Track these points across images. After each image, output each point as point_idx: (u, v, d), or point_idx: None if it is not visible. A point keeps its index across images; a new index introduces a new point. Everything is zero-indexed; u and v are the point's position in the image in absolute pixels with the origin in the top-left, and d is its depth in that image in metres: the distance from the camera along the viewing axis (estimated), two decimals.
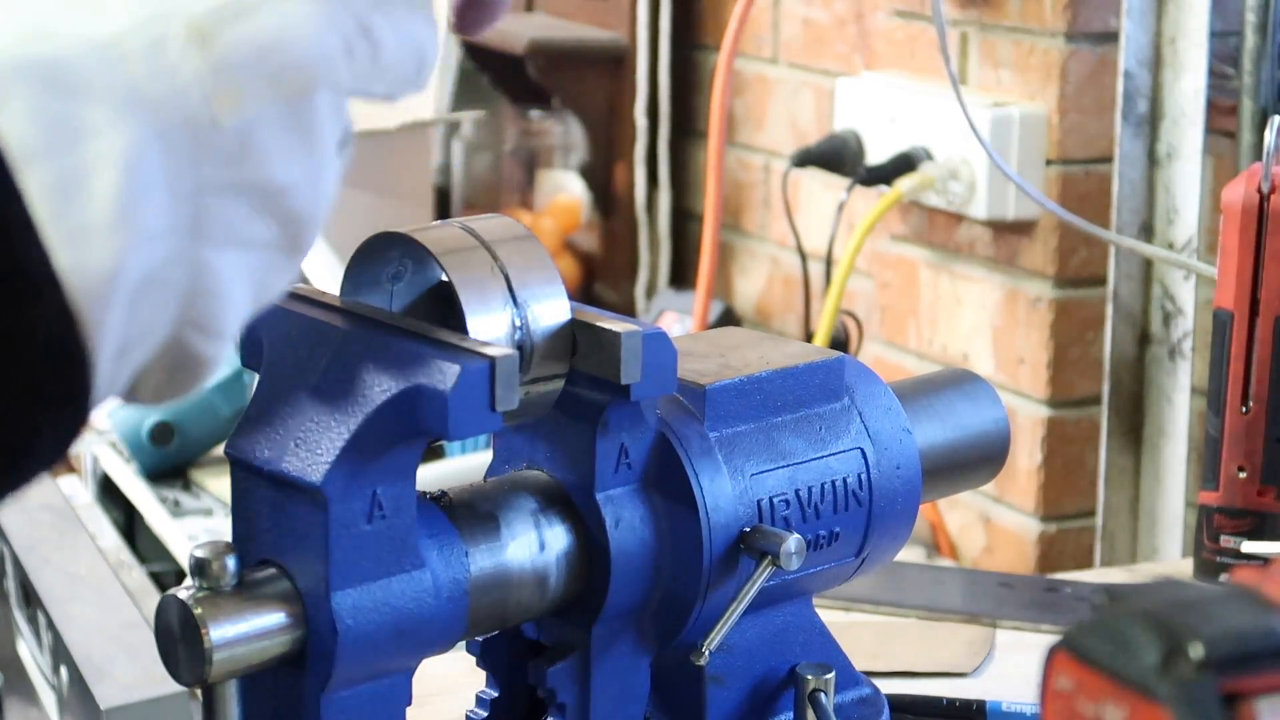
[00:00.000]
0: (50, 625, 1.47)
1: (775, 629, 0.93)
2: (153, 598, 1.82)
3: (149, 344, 0.56)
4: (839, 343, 2.03)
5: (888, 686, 1.02)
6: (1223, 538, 1.23)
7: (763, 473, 0.90)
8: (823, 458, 0.92)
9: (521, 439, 0.88)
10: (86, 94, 0.52)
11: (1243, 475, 1.22)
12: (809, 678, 0.91)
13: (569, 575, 0.86)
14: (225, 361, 0.60)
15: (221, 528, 2.04)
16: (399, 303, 0.84)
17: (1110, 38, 1.78)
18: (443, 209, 2.88)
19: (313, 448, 0.77)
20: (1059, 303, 1.83)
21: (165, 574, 2.13)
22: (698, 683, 0.91)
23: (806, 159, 2.02)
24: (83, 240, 0.51)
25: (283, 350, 0.81)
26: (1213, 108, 1.70)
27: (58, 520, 1.69)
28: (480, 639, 0.90)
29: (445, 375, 0.74)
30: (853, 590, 1.21)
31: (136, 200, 0.53)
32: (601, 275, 2.68)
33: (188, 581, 0.77)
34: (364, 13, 0.59)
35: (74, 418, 0.54)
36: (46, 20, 0.53)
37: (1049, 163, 1.82)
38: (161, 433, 2.18)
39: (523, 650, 0.90)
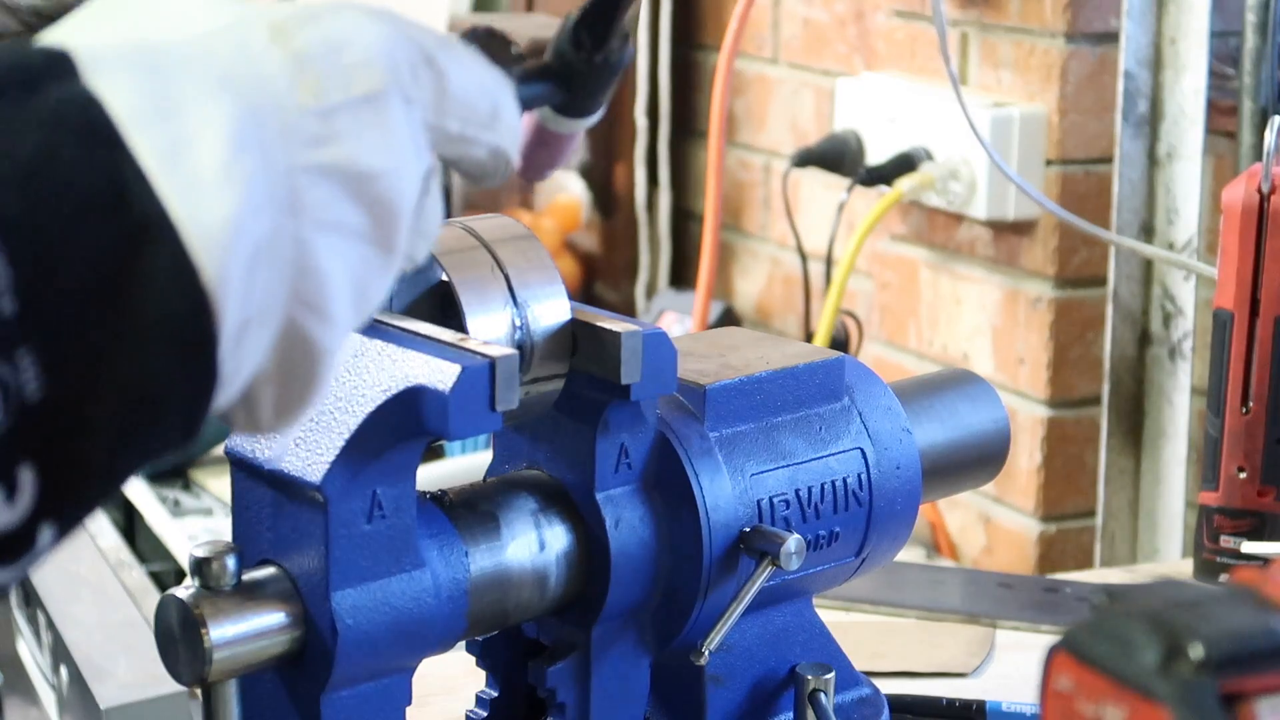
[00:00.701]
0: (50, 625, 1.47)
1: (775, 629, 0.93)
2: (153, 598, 1.82)
3: (267, 324, 0.58)
4: (839, 343, 2.03)
5: (888, 686, 1.02)
6: (1223, 538, 1.23)
7: (763, 473, 0.90)
8: (823, 458, 0.92)
9: (521, 439, 0.88)
10: (184, 74, 0.56)
11: (1243, 475, 1.22)
12: (809, 678, 0.91)
13: (569, 575, 0.86)
14: (339, 351, 0.61)
15: (221, 528, 2.04)
16: (399, 303, 0.84)
17: (1110, 38, 1.78)
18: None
19: (313, 447, 0.77)
20: (1059, 303, 1.83)
21: (165, 574, 2.12)
22: (698, 683, 0.91)
23: (806, 159, 2.02)
24: (195, 193, 0.54)
25: None
26: (1213, 108, 1.70)
27: None
28: (480, 639, 0.90)
29: (445, 375, 0.74)
30: (853, 590, 1.21)
31: (240, 163, 0.55)
32: (601, 275, 2.68)
33: (188, 581, 0.77)
34: (427, 44, 0.62)
35: (202, 376, 0.55)
36: (140, 28, 0.57)
37: (1049, 163, 1.82)
38: None
39: (523, 650, 0.90)
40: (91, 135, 0.53)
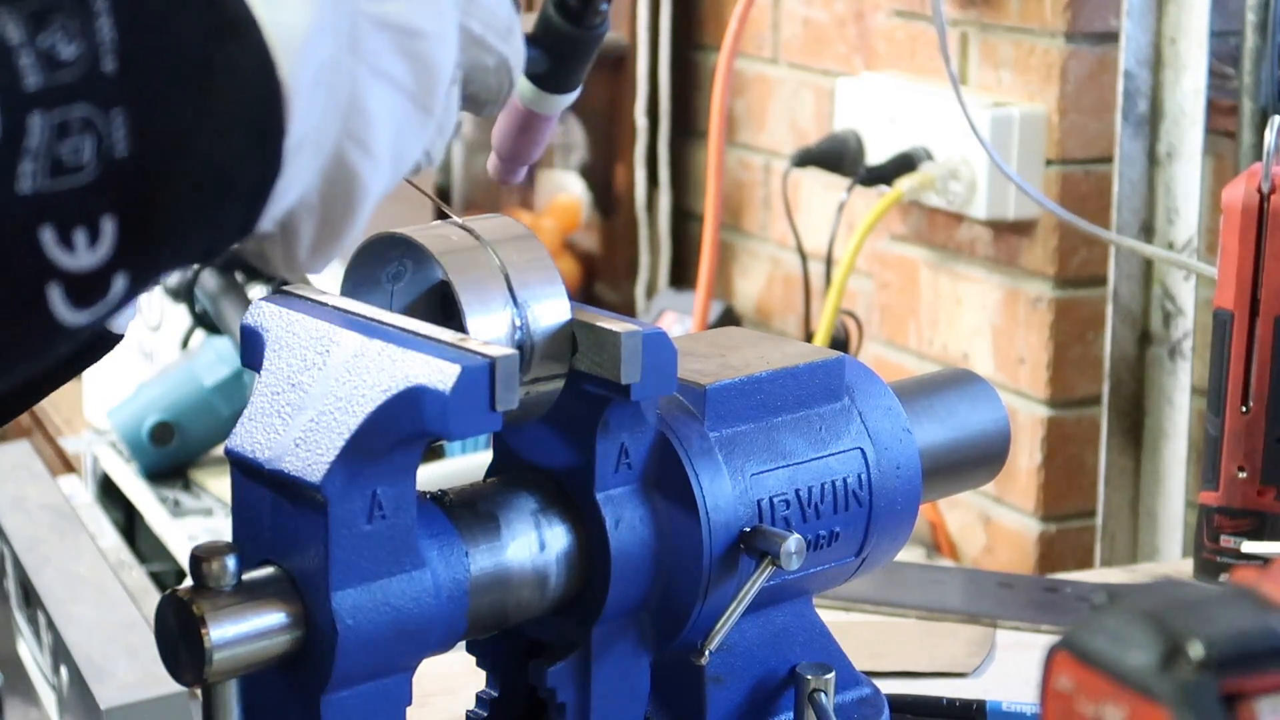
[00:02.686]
0: (50, 625, 1.47)
1: (775, 629, 0.93)
2: (153, 598, 1.82)
3: (320, 147, 0.62)
4: (839, 343, 2.03)
5: (888, 686, 1.02)
6: (1223, 538, 1.23)
7: (763, 473, 0.90)
8: (823, 458, 0.92)
9: (522, 439, 0.88)
10: None
11: (1243, 475, 1.22)
12: (809, 678, 0.91)
13: (569, 575, 0.86)
14: (376, 194, 0.65)
15: (221, 528, 2.04)
16: (399, 303, 0.84)
17: (1110, 38, 1.78)
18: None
19: (313, 448, 0.77)
20: (1059, 303, 1.83)
21: (165, 574, 2.13)
22: (698, 683, 0.91)
23: (806, 159, 2.02)
24: (277, 2, 0.59)
25: (283, 350, 0.81)
26: (1213, 108, 1.70)
27: (58, 520, 1.69)
28: (480, 639, 0.90)
29: (445, 375, 0.74)
30: (853, 590, 1.21)
31: None
32: (601, 275, 2.68)
33: (188, 581, 0.77)
34: None
35: (269, 164, 0.60)
36: None
37: (1049, 163, 1.82)
38: (161, 433, 2.18)
39: (523, 650, 0.90)
40: None
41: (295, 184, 0.62)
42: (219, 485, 2.16)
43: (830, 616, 1.01)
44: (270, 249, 0.66)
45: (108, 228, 0.55)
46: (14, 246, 0.53)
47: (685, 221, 2.60)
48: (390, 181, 0.66)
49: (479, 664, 0.92)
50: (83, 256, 0.55)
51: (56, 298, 0.55)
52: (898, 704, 1.06)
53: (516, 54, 0.72)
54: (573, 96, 0.82)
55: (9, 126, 0.53)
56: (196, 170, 0.58)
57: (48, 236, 0.54)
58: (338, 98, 0.62)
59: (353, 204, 0.64)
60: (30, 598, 1.57)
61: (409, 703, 0.82)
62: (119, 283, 0.57)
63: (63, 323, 0.56)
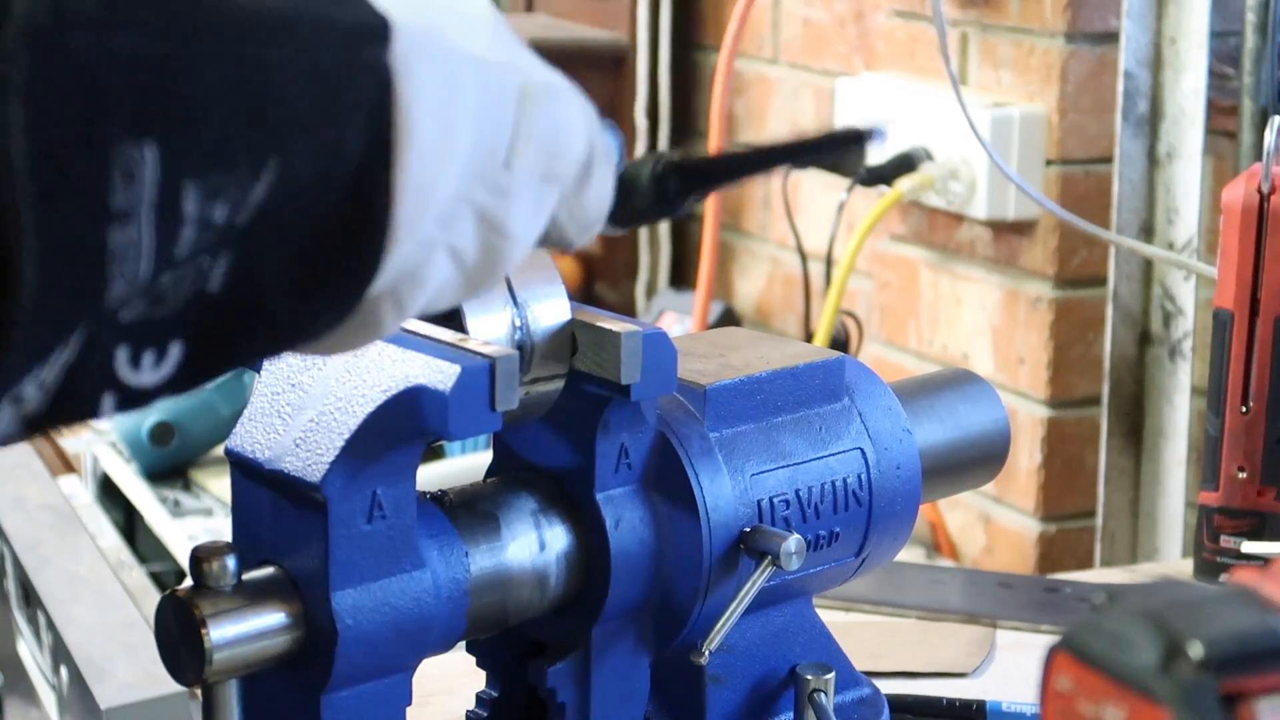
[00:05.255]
0: (50, 625, 1.47)
1: (775, 629, 0.93)
2: (153, 598, 1.82)
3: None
4: (839, 343, 2.03)
5: (888, 686, 1.02)
6: (1223, 538, 1.23)
7: (763, 473, 0.90)
8: (823, 458, 0.92)
9: (522, 439, 0.88)
10: (461, 86, 0.61)
11: (1243, 475, 1.22)
12: (809, 678, 0.91)
13: (569, 575, 0.86)
14: (388, 335, 0.66)
15: (221, 528, 2.04)
16: None
17: (1110, 38, 1.78)
18: None
19: (313, 448, 0.77)
20: (1059, 303, 1.83)
21: (165, 574, 2.12)
22: (698, 683, 0.91)
23: None
24: (419, 192, 0.59)
25: None
26: (1213, 108, 1.70)
27: (58, 520, 1.69)
28: (480, 639, 0.90)
29: (445, 375, 0.74)
30: (853, 590, 1.21)
31: (454, 175, 0.61)
32: (601, 275, 2.68)
33: (188, 581, 0.77)
34: (598, 150, 0.69)
35: (338, 320, 0.61)
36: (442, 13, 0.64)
37: (1049, 163, 1.82)
38: (161, 433, 2.18)
39: (523, 650, 0.90)
40: (374, 115, 0.58)
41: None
42: (219, 485, 2.16)
43: (830, 616, 1.01)
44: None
45: (174, 352, 0.56)
46: (90, 362, 0.54)
47: (685, 221, 2.60)
48: (399, 329, 0.67)
49: (479, 664, 0.92)
50: (145, 376, 0.56)
51: (108, 403, 0.56)
52: (898, 704, 1.06)
53: (586, 241, 0.73)
54: (616, 233, 0.80)
55: (148, 284, 0.53)
56: (273, 320, 0.58)
57: (121, 355, 0.55)
58: (409, 265, 0.62)
59: (361, 341, 0.65)
60: (30, 598, 1.57)
61: (409, 703, 0.82)
62: (164, 397, 0.58)
63: (100, 417, 0.57)
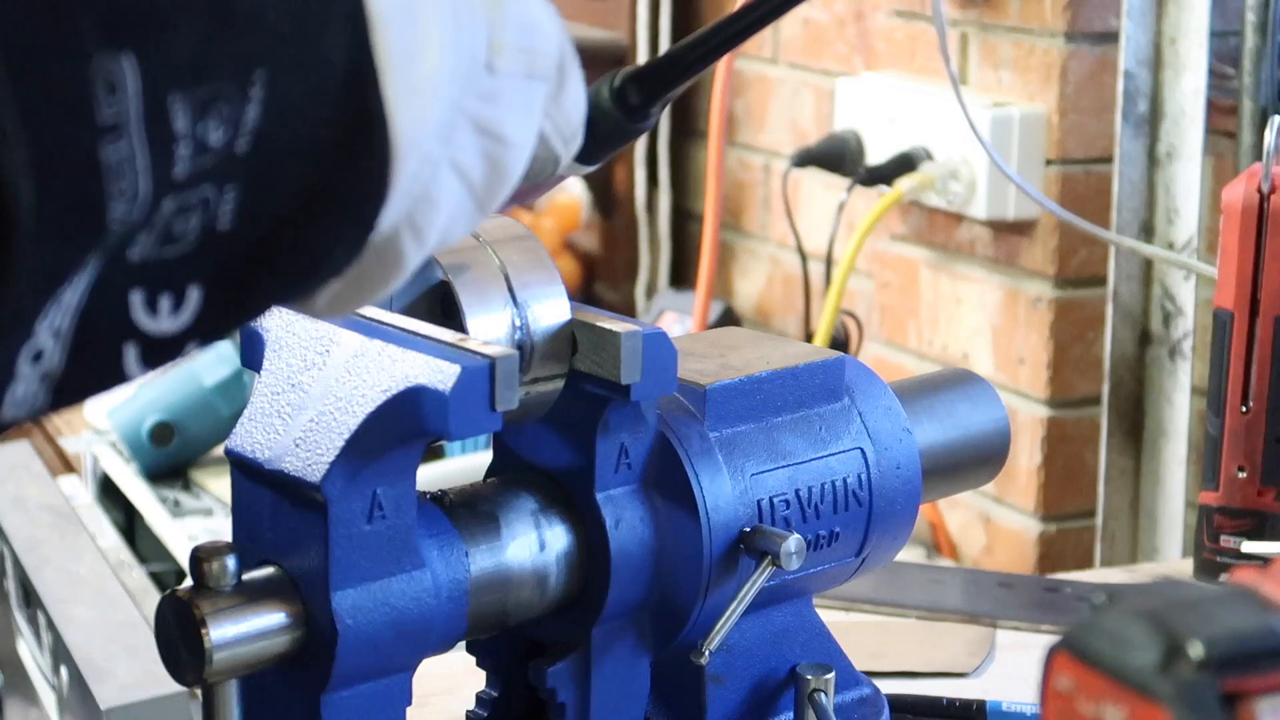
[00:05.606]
0: (50, 625, 1.47)
1: (775, 629, 0.93)
2: (153, 598, 1.82)
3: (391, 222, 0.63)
4: (839, 343, 2.03)
5: (888, 686, 1.02)
6: (1223, 538, 1.23)
7: (763, 473, 0.90)
8: (823, 458, 0.92)
9: (522, 439, 0.88)
10: None
11: (1243, 475, 1.22)
12: (809, 678, 0.91)
13: (569, 575, 0.86)
14: (412, 271, 0.65)
15: (221, 528, 2.03)
16: (399, 303, 0.84)
17: (1110, 38, 1.78)
18: None
19: (313, 448, 0.77)
20: (1059, 303, 1.83)
21: (165, 574, 2.12)
22: (698, 683, 0.91)
23: (806, 159, 2.02)
24: (410, 98, 0.59)
25: (283, 350, 0.81)
26: (1213, 108, 1.70)
27: (58, 520, 1.69)
28: (480, 639, 0.90)
29: (445, 375, 0.74)
30: (853, 590, 1.21)
31: (443, 80, 0.61)
32: (601, 275, 2.68)
33: (188, 581, 0.77)
34: (568, 51, 0.69)
35: (355, 250, 0.61)
36: None
37: (1049, 163, 1.82)
38: (161, 433, 2.18)
39: (523, 650, 0.90)
40: (350, 19, 0.58)
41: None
42: (219, 485, 2.16)
43: (830, 616, 1.01)
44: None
45: (193, 296, 0.56)
46: (104, 306, 0.53)
47: (685, 221, 2.60)
48: (424, 259, 0.67)
49: (479, 664, 0.92)
50: (164, 322, 0.55)
51: (131, 356, 0.55)
52: (898, 704, 1.06)
53: (571, 154, 0.73)
54: (591, 169, 0.81)
55: (148, 209, 0.53)
56: (289, 254, 0.58)
57: (136, 299, 0.54)
58: (417, 185, 0.62)
59: (388, 278, 0.64)
60: (30, 598, 1.57)
61: (409, 703, 0.82)
62: (190, 347, 0.57)
63: (129, 377, 0.56)
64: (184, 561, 1.40)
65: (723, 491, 0.88)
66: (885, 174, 1.91)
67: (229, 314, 0.58)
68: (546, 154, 0.71)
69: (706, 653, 0.87)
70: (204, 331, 0.57)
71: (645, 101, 0.77)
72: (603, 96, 0.77)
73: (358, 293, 0.64)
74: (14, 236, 0.50)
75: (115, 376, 0.56)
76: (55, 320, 0.52)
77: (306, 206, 0.58)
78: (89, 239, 0.52)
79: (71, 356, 0.53)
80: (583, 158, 0.76)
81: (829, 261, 2.02)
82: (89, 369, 0.55)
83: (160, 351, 0.56)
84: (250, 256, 0.57)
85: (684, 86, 0.79)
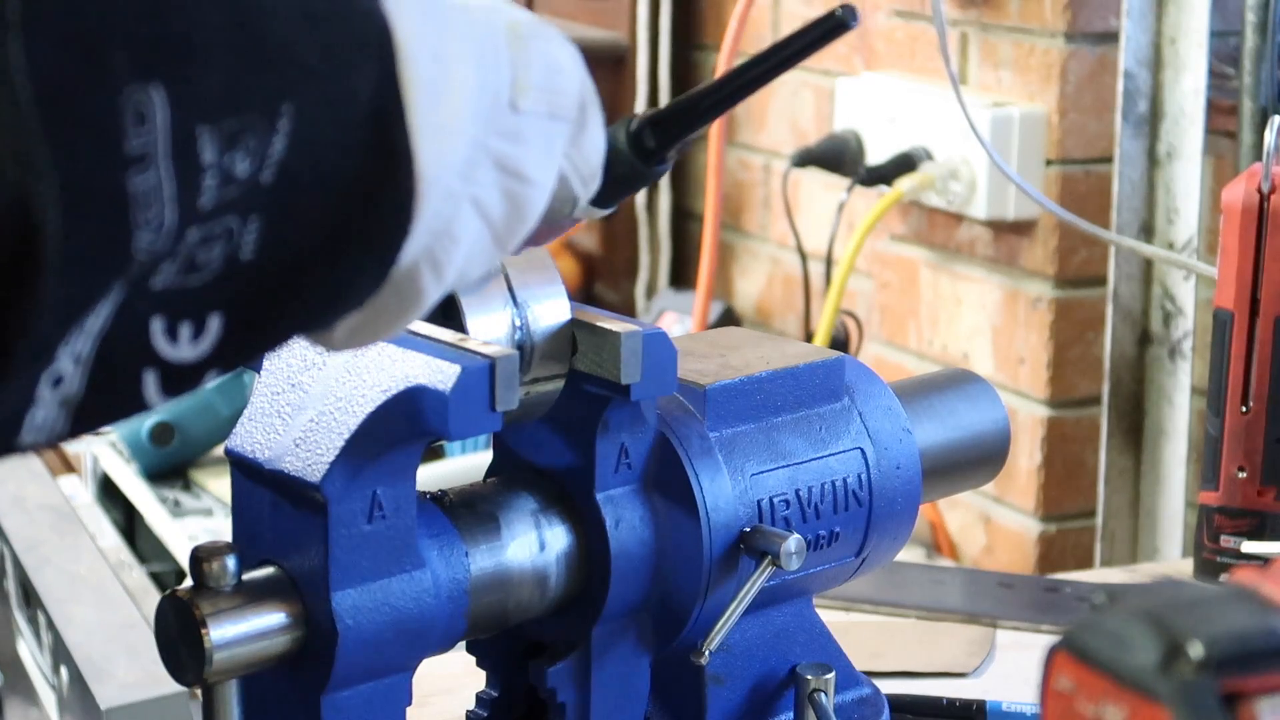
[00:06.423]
0: (50, 625, 1.47)
1: (775, 629, 0.93)
2: (153, 598, 1.82)
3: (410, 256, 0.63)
4: (839, 343, 2.03)
5: (888, 686, 1.02)
6: (1223, 538, 1.23)
7: (763, 473, 0.90)
8: (823, 458, 0.92)
9: (522, 439, 0.88)
10: (451, 27, 0.62)
11: (1243, 475, 1.22)
12: (809, 678, 0.91)
13: (569, 575, 0.86)
14: (430, 307, 0.65)
15: (221, 528, 2.03)
16: None
17: (1110, 38, 1.78)
18: None
19: (313, 448, 0.77)
20: (1059, 303, 1.83)
21: (165, 574, 2.12)
22: (698, 683, 0.91)
23: (806, 159, 2.02)
24: (435, 135, 0.60)
25: (283, 350, 0.81)
26: (1213, 108, 1.70)
27: (58, 520, 1.69)
28: (480, 639, 0.90)
29: (445, 375, 0.74)
30: (853, 590, 1.21)
31: (467, 118, 0.62)
32: (601, 275, 2.68)
33: (188, 581, 0.77)
34: (589, 94, 0.70)
35: (376, 284, 0.61)
36: None
37: (1049, 163, 1.82)
38: (161, 433, 2.18)
39: (523, 650, 0.90)
40: (379, 56, 0.58)
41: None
42: (219, 485, 2.16)
43: (830, 616, 1.01)
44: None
45: (213, 325, 0.56)
46: (125, 333, 0.53)
47: (685, 221, 2.60)
48: (443, 295, 0.67)
49: (479, 664, 0.92)
50: (184, 350, 0.55)
51: (150, 383, 0.55)
52: (898, 704, 1.06)
53: (589, 195, 0.73)
54: (606, 212, 0.80)
55: (173, 238, 0.53)
56: (310, 285, 0.58)
57: (157, 327, 0.54)
58: (439, 221, 0.62)
59: (406, 312, 0.64)
60: (30, 598, 1.57)
61: (409, 703, 0.82)
62: (210, 375, 0.57)
63: (148, 404, 0.56)
64: (184, 561, 1.40)
65: (723, 491, 0.88)
66: (885, 174, 1.91)
67: (249, 343, 0.58)
68: (565, 194, 0.71)
69: (706, 653, 0.87)
70: (224, 360, 0.57)
71: (661, 146, 0.77)
72: (619, 140, 0.77)
73: (375, 326, 0.64)
74: (42, 268, 0.50)
75: (134, 403, 0.56)
76: (77, 346, 0.52)
77: (329, 239, 0.58)
78: (114, 268, 0.52)
79: (91, 382, 0.53)
80: (598, 200, 0.76)
81: (829, 261, 2.02)
82: (108, 395, 0.55)
83: (180, 379, 0.56)
84: (271, 287, 0.57)
85: (699, 132, 0.79)
